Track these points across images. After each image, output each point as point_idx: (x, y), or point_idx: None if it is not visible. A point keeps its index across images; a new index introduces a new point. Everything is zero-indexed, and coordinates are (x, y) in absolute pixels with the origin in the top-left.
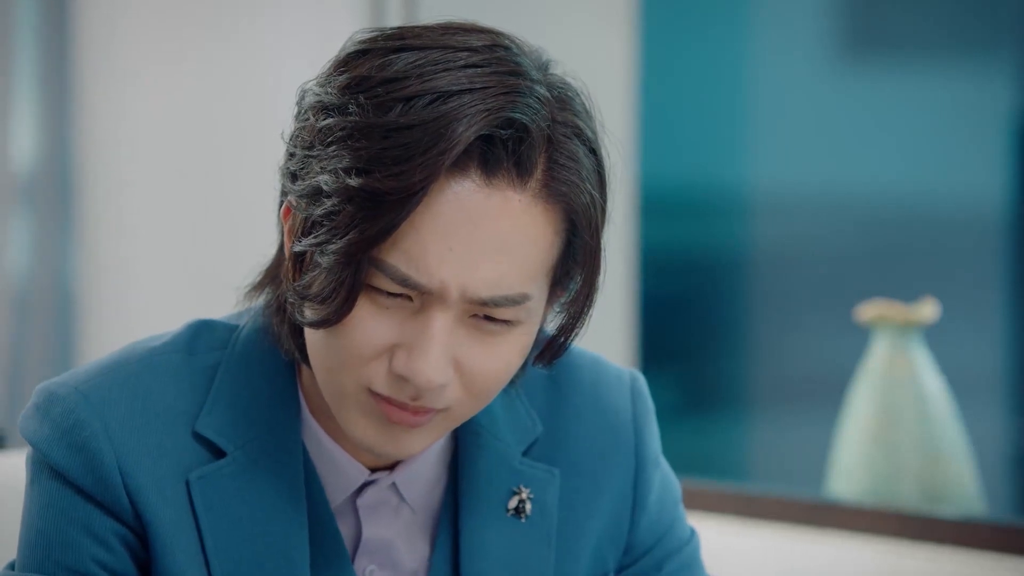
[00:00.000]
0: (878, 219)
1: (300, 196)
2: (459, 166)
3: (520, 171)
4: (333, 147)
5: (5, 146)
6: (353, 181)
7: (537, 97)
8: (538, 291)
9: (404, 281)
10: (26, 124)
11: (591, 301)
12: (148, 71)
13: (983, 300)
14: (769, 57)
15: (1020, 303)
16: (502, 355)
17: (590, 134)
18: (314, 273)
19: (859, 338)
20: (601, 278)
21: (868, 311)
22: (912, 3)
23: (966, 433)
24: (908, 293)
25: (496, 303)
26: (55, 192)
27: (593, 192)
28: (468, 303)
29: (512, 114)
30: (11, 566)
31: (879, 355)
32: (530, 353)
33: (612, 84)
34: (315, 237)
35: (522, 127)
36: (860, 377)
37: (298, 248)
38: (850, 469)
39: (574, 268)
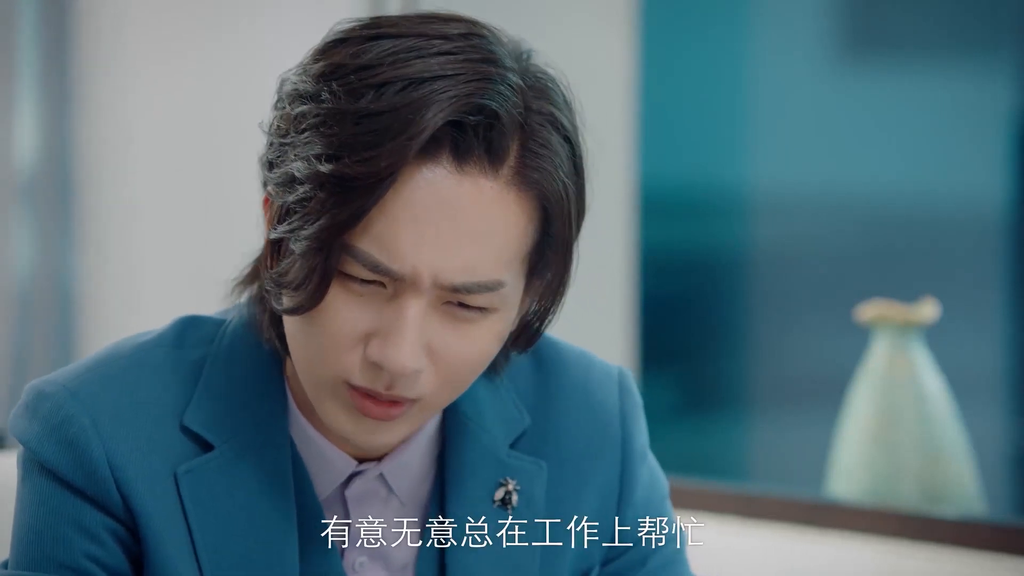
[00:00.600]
0: (878, 219)
1: (276, 184)
2: (430, 152)
3: (492, 157)
4: (306, 134)
5: (6, 145)
6: (324, 167)
7: (509, 84)
8: (512, 278)
9: (376, 267)
10: (27, 123)
11: (562, 290)
12: (148, 71)
13: (983, 300)
14: (769, 57)
15: (1020, 303)
16: (476, 342)
17: (567, 124)
18: (289, 260)
19: (859, 338)
20: (574, 266)
21: (868, 311)
22: (912, 3)
23: (966, 433)
24: (908, 293)
25: (469, 289)
26: (56, 191)
27: (566, 180)
28: (441, 289)
29: (482, 100)
30: (3, 564)
31: (879, 355)
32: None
33: (612, 84)
34: (289, 224)
35: (492, 113)
36: (860, 377)
37: (274, 236)
38: (850, 469)
39: (550, 256)
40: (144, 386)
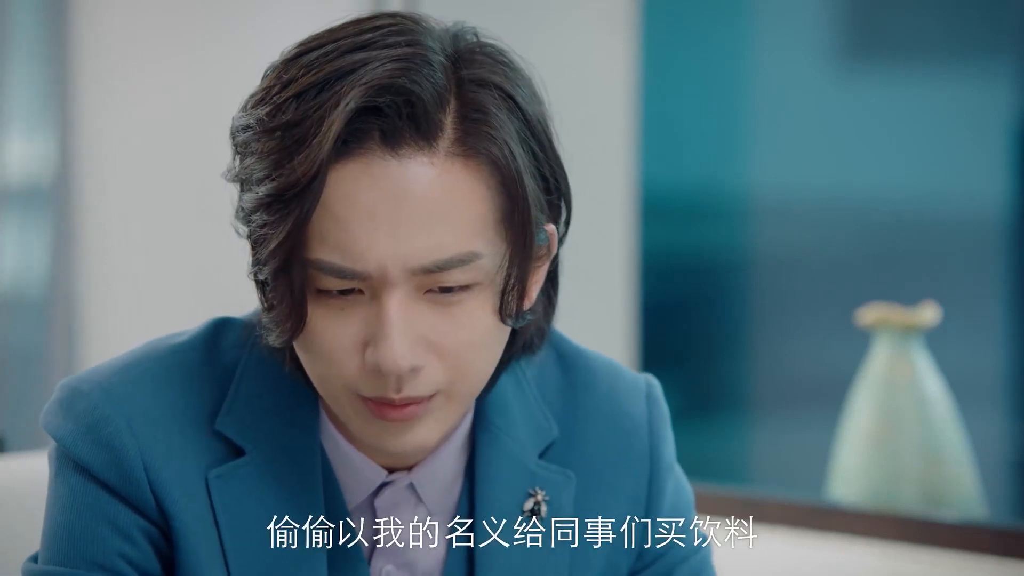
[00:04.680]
0: (879, 223)
1: (241, 222)
2: (360, 144)
3: (423, 134)
4: (247, 163)
5: (3, 150)
6: (262, 190)
7: (427, 61)
8: (489, 248)
9: (342, 273)
10: (24, 128)
11: (530, 251)
12: (149, 74)
13: (984, 303)
14: (770, 61)
15: (1021, 306)
16: (470, 323)
17: (510, 88)
18: (267, 292)
19: (860, 342)
20: (535, 225)
21: (869, 315)
22: (913, 7)
23: (967, 436)
24: (909, 296)
25: (441, 267)
26: (56, 196)
27: (509, 141)
28: (415, 276)
29: (391, 81)
30: (34, 558)
31: (880, 358)
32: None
33: (613, 87)
34: (255, 256)
35: (406, 91)
36: (861, 381)
37: (250, 272)
38: (851, 472)
39: (517, 219)
40: (178, 388)
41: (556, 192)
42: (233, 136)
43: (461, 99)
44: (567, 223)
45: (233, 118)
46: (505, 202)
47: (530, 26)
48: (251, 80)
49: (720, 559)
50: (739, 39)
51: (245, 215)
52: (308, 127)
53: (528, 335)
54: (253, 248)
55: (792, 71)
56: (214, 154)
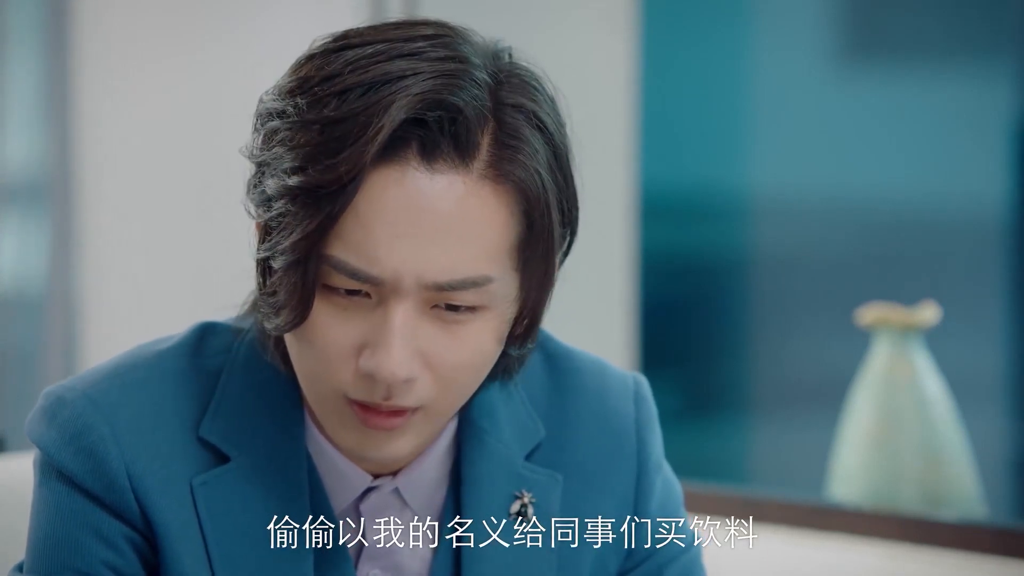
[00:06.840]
0: (879, 223)
1: (256, 204)
2: (397, 153)
3: (461, 152)
4: (275, 150)
5: (3, 148)
6: (292, 180)
7: (474, 80)
8: (501, 273)
9: (355, 274)
10: (24, 127)
11: (547, 284)
12: (149, 73)
13: (984, 303)
14: (770, 61)
15: (1020, 306)
16: (471, 345)
17: (543, 115)
18: (273, 279)
19: (860, 341)
20: (558, 258)
21: (869, 314)
22: (913, 7)
23: (967, 436)
24: (909, 296)
25: (453, 287)
26: (55, 194)
27: (541, 170)
28: (426, 291)
29: (441, 96)
30: (19, 568)
31: (880, 358)
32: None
33: (613, 87)
34: (269, 242)
35: (453, 108)
36: (861, 380)
37: (259, 256)
38: (851, 472)
39: (535, 249)
40: (162, 395)
41: (568, 225)
42: (261, 118)
43: (499, 122)
44: (566, 254)
45: (261, 99)
46: (524, 231)
47: (530, 26)
48: (251, 80)
49: (720, 559)
50: (739, 39)
51: (265, 199)
52: (350, 127)
53: (509, 361)
54: (267, 233)
55: (792, 71)
56: (214, 154)
